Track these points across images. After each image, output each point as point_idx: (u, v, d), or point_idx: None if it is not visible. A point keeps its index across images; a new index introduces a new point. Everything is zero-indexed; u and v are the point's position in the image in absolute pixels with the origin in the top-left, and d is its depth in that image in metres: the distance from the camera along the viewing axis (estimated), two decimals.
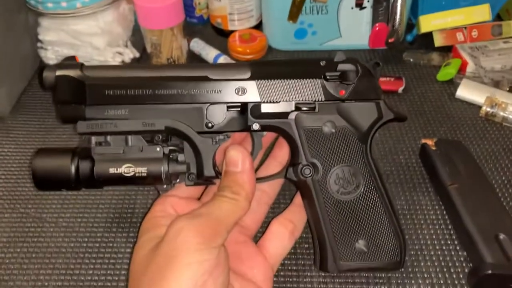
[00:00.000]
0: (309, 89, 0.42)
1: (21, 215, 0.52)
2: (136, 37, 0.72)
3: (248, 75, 0.42)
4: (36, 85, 0.70)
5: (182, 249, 0.34)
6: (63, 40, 0.66)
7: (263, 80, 0.42)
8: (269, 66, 0.43)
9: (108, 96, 0.41)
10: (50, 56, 0.68)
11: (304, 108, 0.42)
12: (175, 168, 0.41)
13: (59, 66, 0.42)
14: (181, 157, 0.42)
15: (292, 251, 0.47)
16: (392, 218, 0.41)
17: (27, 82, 0.70)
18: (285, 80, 0.42)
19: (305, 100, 0.42)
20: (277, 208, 0.51)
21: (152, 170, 0.40)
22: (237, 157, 0.40)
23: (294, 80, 0.42)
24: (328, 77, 0.42)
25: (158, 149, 0.41)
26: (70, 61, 0.43)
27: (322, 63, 0.43)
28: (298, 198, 0.45)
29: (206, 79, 0.42)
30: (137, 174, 0.40)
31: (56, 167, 0.40)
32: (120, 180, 0.41)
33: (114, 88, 0.41)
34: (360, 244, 0.41)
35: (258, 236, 0.46)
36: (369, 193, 0.41)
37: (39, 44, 0.68)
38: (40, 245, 0.49)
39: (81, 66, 0.42)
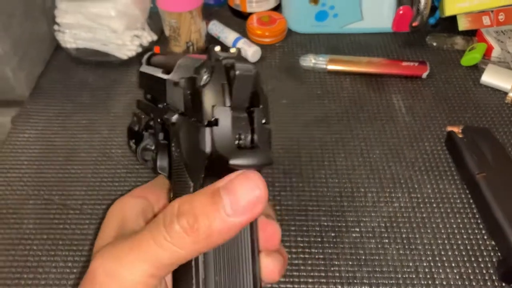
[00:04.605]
0: None
1: (46, 202, 0.52)
2: (153, 20, 0.71)
3: None
4: (53, 68, 0.69)
5: None
6: (80, 23, 0.65)
7: None
8: None
9: None
10: (68, 39, 0.67)
11: None
12: None
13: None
14: None
15: (319, 239, 0.47)
16: None
17: (44, 66, 0.69)
18: None
19: None
20: None
21: None
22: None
23: None
24: None
25: None
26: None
27: None
28: None
29: None
30: None
31: None
32: None
33: None
34: None
35: None
36: None
37: (56, 27, 0.67)
38: (66, 232, 0.49)
39: None
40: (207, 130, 0.23)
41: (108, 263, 0.23)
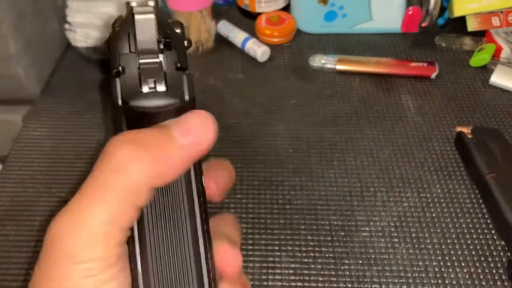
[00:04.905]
0: None
1: (58, 199, 0.52)
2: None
3: None
4: (63, 67, 0.69)
5: None
6: (91, 22, 0.65)
7: None
8: None
9: None
10: (79, 38, 0.67)
11: None
12: None
13: None
14: None
15: (329, 238, 0.47)
16: None
17: (55, 64, 0.69)
18: None
19: None
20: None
21: None
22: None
23: None
24: None
25: None
26: None
27: None
28: None
29: None
30: None
31: None
32: None
33: None
34: None
35: None
36: None
37: (67, 26, 0.68)
38: None
39: None
40: (116, 80, 0.22)
41: (63, 227, 0.20)
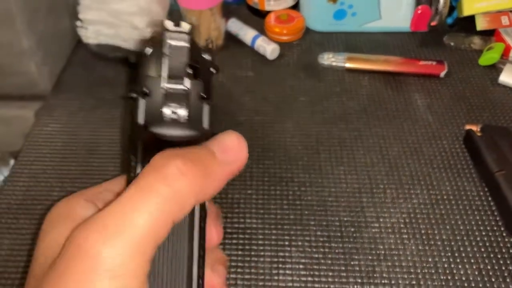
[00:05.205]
0: None
1: (69, 193, 0.53)
2: (174, 17, 0.72)
3: None
4: (75, 63, 0.70)
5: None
6: (103, 19, 0.66)
7: None
8: None
9: None
10: (90, 35, 0.68)
11: None
12: None
13: None
14: None
15: (339, 234, 0.48)
16: None
17: (66, 61, 0.70)
18: None
19: None
20: None
21: None
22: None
23: None
24: None
25: None
26: None
27: None
28: None
29: None
30: None
31: None
32: None
33: None
34: None
35: None
36: None
37: (78, 23, 0.68)
38: None
39: None
40: (140, 101, 0.22)
41: (94, 233, 0.19)
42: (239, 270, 0.45)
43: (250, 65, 0.69)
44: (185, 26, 0.23)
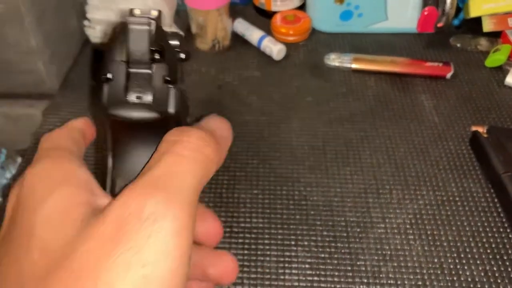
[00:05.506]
0: None
1: None
2: (180, 17, 0.72)
3: None
4: (82, 63, 0.70)
5: None
6: (111, 19, 0.66)
7: None
8: None
9: None
10: (98, 35, 0.68)
11: None
12: None
13: None
14: None
15: (345, 234, 0.48)
16: None
17: (73, 60, 0.71)
18: None
19: None
20: None
21: None
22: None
23: None
24: None
25: None
26: None
27: None
28: None
29: None
30: None
31: None
32: None
33: None
34: None
35: None
36: None
37: (86, 23, 0.69)
38: None
39: None
40: (105, 86, 0.23)
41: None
42: (245, 269, 0.45)
43: (256, 65, 0.69)
44: (152, 13, 0.23)
